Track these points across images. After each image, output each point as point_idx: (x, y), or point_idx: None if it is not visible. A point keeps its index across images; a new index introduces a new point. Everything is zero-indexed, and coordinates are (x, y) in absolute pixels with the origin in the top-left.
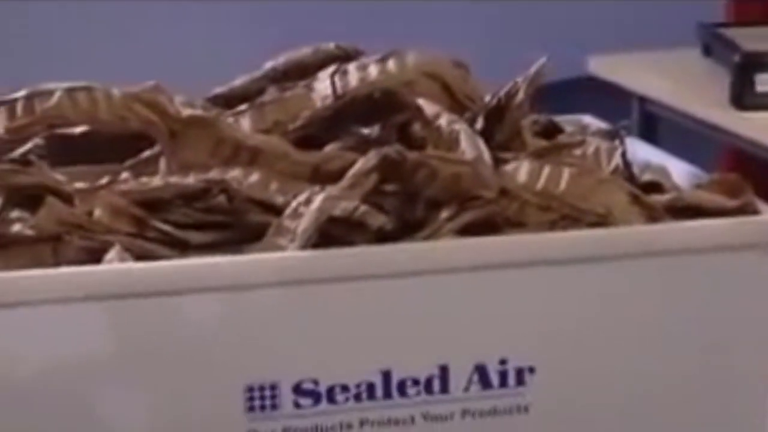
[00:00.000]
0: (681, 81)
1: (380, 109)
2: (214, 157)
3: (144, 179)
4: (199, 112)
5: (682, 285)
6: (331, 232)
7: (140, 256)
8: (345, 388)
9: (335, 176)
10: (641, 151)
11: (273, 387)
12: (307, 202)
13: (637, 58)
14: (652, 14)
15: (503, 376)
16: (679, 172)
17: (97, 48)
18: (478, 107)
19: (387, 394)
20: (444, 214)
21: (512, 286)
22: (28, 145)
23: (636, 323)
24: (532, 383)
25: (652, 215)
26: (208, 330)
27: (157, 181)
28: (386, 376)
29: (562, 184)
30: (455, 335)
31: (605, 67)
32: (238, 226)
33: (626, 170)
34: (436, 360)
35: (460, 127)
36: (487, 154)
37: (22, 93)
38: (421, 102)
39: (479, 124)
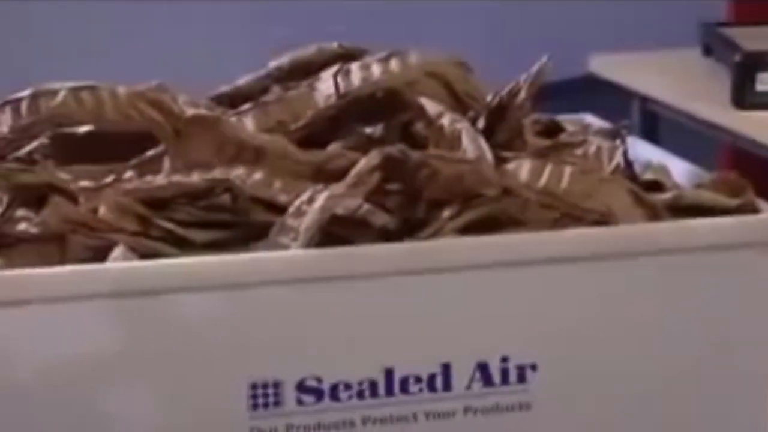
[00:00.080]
0: (682, 80)
1: (383, 108)
2: (217, 156)
3: (148, 178)
4: (202, 111)
5: (682, 283)
6: (334, 231)
7: (145, 255)
8: (348, 386)
9: (338, 175)
10: (642, 150)
11: (276, 384)
12: (310, 200)
13: (638, 58)
14: (653, 14)
15: (505, 374)
16: (680, 171)
17: (98, 48)
18: (480, 107)
19: (389, 392)
20: (446, 212)
21: (514, 285)
22: (34, 144)
23: (637, 321)
24: (534, 380)
25: (653, 214)
26: (212, 328)
27: (161, 179)
28: (389, 373)
29: (564, 183)
30: (457, 333)
31: (606, 66)
32: (242, 224)
33: (627, 169)
34: (438, 358)
35: (462, 126)
36: (489, 153)
37: (27, 92)
38: (424, 101)
39: (481, 123)
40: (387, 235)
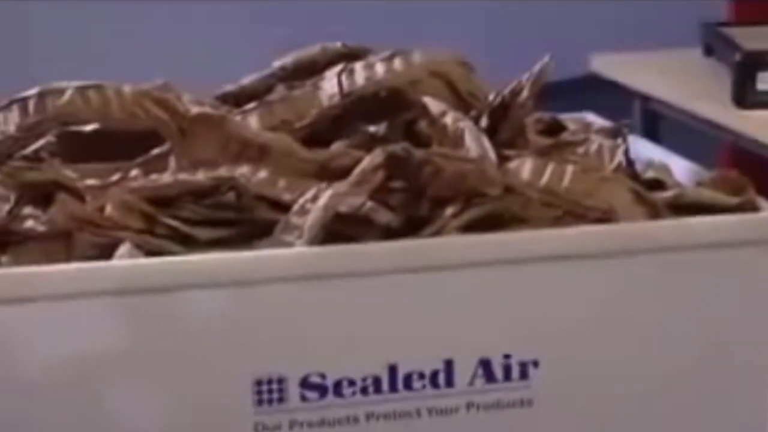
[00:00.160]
0: (683, 80)
1: (386, 107)
2: (222, 155)
3: (154, 176)
4: (207, 110)
5: (683, 281)
6: (338, 229)
7: (150, 252)
8: (352, 382)
9: (342, 173)
10: (643, 149)
11: (281, 381)
12: (314, 199)
13: (639, 58)
14: (654, 14)
15: (507, 370)
16: (681, 169)
17: (98, 48)
18: (482, 105)
19: (393, 388)
20: (449, 210)
21: (516, 282)
22: (41, 143)
23: (638, 318)
24: (536, 377)
25: (655, 212)
26: (217, 324)
27: (166, 178)
28: (392, 370)
29: (566, 181)
30: (460, 330)
31: (608, 66)
32: (247, 222)
33: (629, 168)
34: (441, 354)
35: (465, 125)
36: (491, 152)
37: (34, 91)
38: (427, 100)
39: (484, 122)
40: (390, 233)
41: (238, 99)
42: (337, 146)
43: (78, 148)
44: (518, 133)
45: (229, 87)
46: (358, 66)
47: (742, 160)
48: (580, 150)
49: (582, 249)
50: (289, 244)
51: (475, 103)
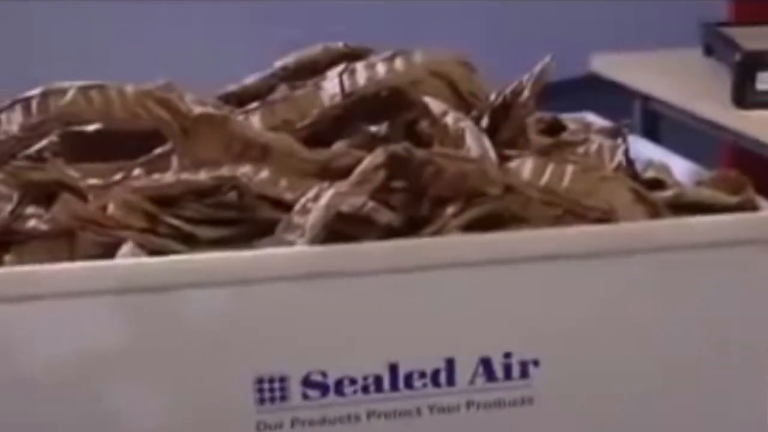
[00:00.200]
0: (683, 80)
1: (388, 107)
2: (224, 154)
3: (156, 176)
4: (210, 109)
5: (683, 280)
6: (339, 228)
7: (153, 251)
8: (353, 381)
9: (343, 173)
10: (643, 149)
11: (282, 379)
12: (316, 198)
13: (639, 58)
14: (654, 14)
15: (508, 369)
16: (681, 169)
17: (98, 48)
18: (483, 105)
19: (394, 387)
20: (450, 210)
21: (516, 281)
22: (43, 143)
23: (638, 317)
24: (536, 376)
25: (655, 211)
26: (219, 323)
27: (169, 177)
28: (393, 368)
29: (566, 181)
30: (461, 329)
31: (608, 66)
32: (248, 221)
33: (629, 167)
34: (442, 353)
35: (466, 124)
36: (492, 152)
37: (36, 91)
38: (428, 100)
39: (485, 121)
40: (391, 233)
41: (240, 99)
42: (338, 146)
43: (81, 148)
44: (519, 133)
45: (231, 87)
46: (360, 66)
47: (742, 159)
48: (581, 150)
49: (582, 248)
50: (291, 243)
51: (476, 103)
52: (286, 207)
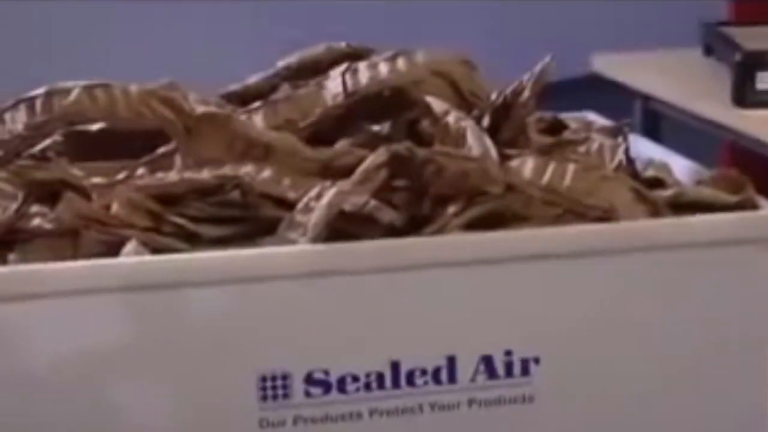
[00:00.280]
0: (683, 79)
1: (390, 106)
2: (228, 153)
3: (160, 175)
4: (213, 109)
5: (683, 278)
6: (342, 227)
7: (156, 250)
8: (355, 378)
9: (346, 172)
10: (644, 148)
11: (285, 377)
12: (318, 197)
13: (640, 58)
14: (654, 14)
15: (509, 367)
16: (681, 168)
17: (98, 48)
18: (485, 105)
19: (396, 384)
20: (451, 209)
21: (517, 280)
22: (48, 142)
23: (638, 315)
24: (537, 373)
25: (655, 210)
26: (222, 321)
27: (172, 176)
28: (395, 366)
29: (567, 180)
30: (462, 327)
31: (609, 66)
32: (251, 220)
33: (629, 166)
34: (443, 351)
35: (467, 124)
36: (493, 151)
37: (41, 91)
38: (430, 100)
39: (486, 121)
40: (393, 231)
41: (243, 98)
42: (340, 145)
43: (85, 147)
44: (520, 132)
45: (234, 86)
46: (362, 66)
47: (742, 159)
48: (582, 149)
49: (583, 247)
50: (293, 242)
51: (477, 103)
52: (289, 205)
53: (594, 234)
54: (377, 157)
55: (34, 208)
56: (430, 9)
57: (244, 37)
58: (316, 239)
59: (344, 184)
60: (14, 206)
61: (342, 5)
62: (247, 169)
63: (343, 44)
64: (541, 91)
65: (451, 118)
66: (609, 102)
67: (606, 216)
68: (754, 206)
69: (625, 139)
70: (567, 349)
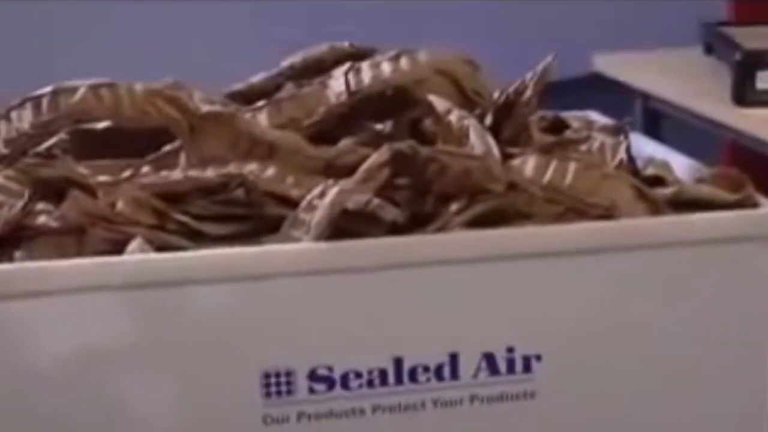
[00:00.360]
0: (684, 79)
1: (393, 105)
2: (232, 152)
3: (164, 173)
4: (217, 108)
5: (684, 276)
6: (345, 225)
7: (161, 248)
8: (358, 375)
9: (349, 170)
10: (645, 147)
11: (289, 373)
12: (322, 195)
13: (640, 57)
14: (655, 14)
15: (511, 364)
16: (682, 166)
17: (98, 48)
18: (487, 104)
19: (399, 381)
20: (454, 207)
21: (519, 277)
22: (53, 140)
23: (639, 312)
24: (539, 370)
25: (656, 208)
26: (226, 318)
27: (177, 174)
28: (398, 363)
29: (568, 178)
30: (464, 324)
31: (610, 65)
32: (255, 218)
33: (630, 165)
34: (446, 347)
35: (470, 122)
36: (495, 149)
37: (47, 89)
38: (433, 98)
39: (488, 120)
40: (396, 229)
41: (247, 97)
42: (344, 143)
43: (90, 146)
44: (522, 131)
45: (239, 86)
46: (365, 65)
47: (742, 157)
48: (583, 147)
49: (584, 245)
50: (297, 240)
51: (480, 102)
52: (293, 204)
53: (595, 232)
54: (380, 155)
55: (40, 206)
56: (430, 9)
57: (244, 37)
58: (319, 237)
59: (347, 183)
60: (20, 204)
61: (342, 5)
62: (251, 168)
63: (346, 44)
64: (543, 91)
65: (453, 117)
66: (610, 101)
67: (607, 214)
68: (754, 204)
69: (626, 137)
70: (569, 346)
